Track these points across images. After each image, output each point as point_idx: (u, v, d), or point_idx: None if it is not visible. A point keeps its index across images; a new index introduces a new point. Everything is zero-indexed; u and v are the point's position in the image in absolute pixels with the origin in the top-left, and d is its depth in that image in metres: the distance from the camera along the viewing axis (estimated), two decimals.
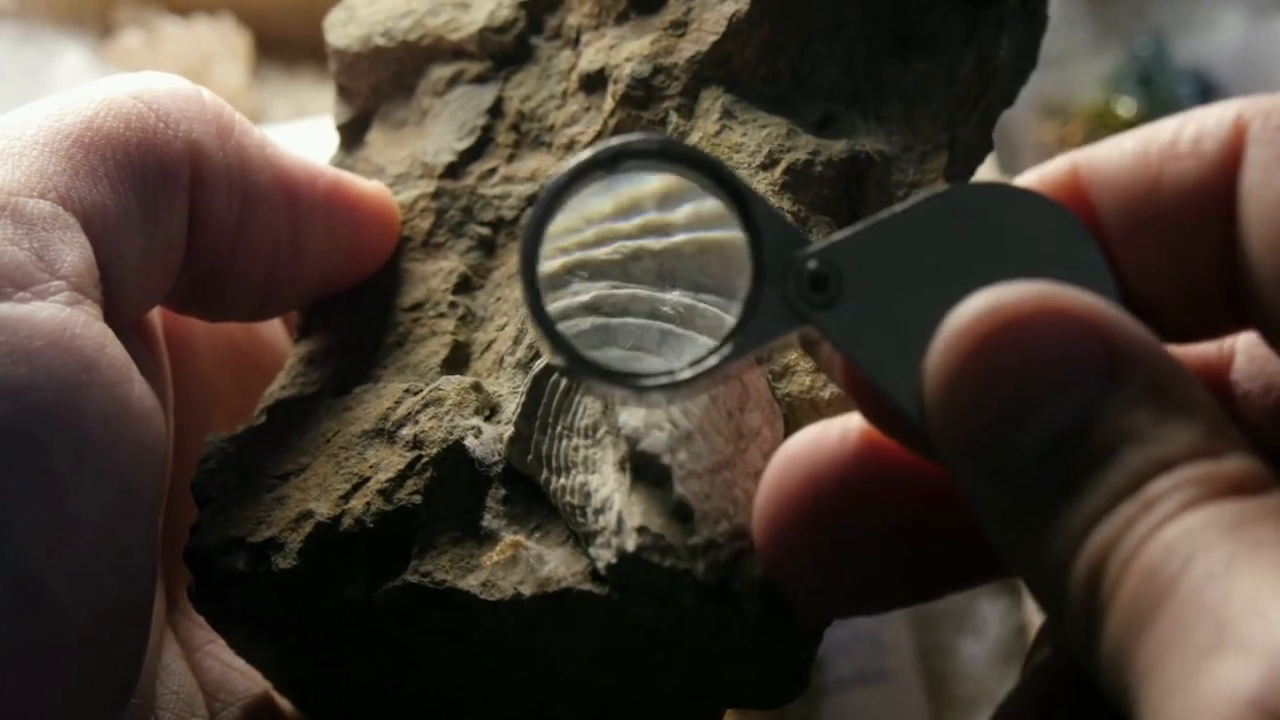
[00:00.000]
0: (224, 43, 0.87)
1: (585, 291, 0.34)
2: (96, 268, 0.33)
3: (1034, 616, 0.73)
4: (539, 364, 0.36)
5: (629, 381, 0.31)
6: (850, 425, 0.32)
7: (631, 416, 0.33)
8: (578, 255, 0.34)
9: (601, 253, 0.34)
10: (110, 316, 0.34)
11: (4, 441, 0.30)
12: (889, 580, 0.32)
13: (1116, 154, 0.31)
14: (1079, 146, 0.32)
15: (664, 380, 0.31)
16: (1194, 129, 0.30)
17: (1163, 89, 0.96)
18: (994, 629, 0.75)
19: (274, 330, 0.45)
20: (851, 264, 0.31)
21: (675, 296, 0.34)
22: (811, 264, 0.31)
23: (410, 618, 0.36)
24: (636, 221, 0.34)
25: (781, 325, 0.31)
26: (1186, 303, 0.30)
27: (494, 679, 0.37)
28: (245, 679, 0.40)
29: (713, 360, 0.31)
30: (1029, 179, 0.32)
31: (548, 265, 0.32)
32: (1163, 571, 0.25)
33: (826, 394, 0.36)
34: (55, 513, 0.31)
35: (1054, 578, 0.27)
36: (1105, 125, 0.99)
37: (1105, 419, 0.26)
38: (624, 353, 0.33)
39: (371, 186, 0.41)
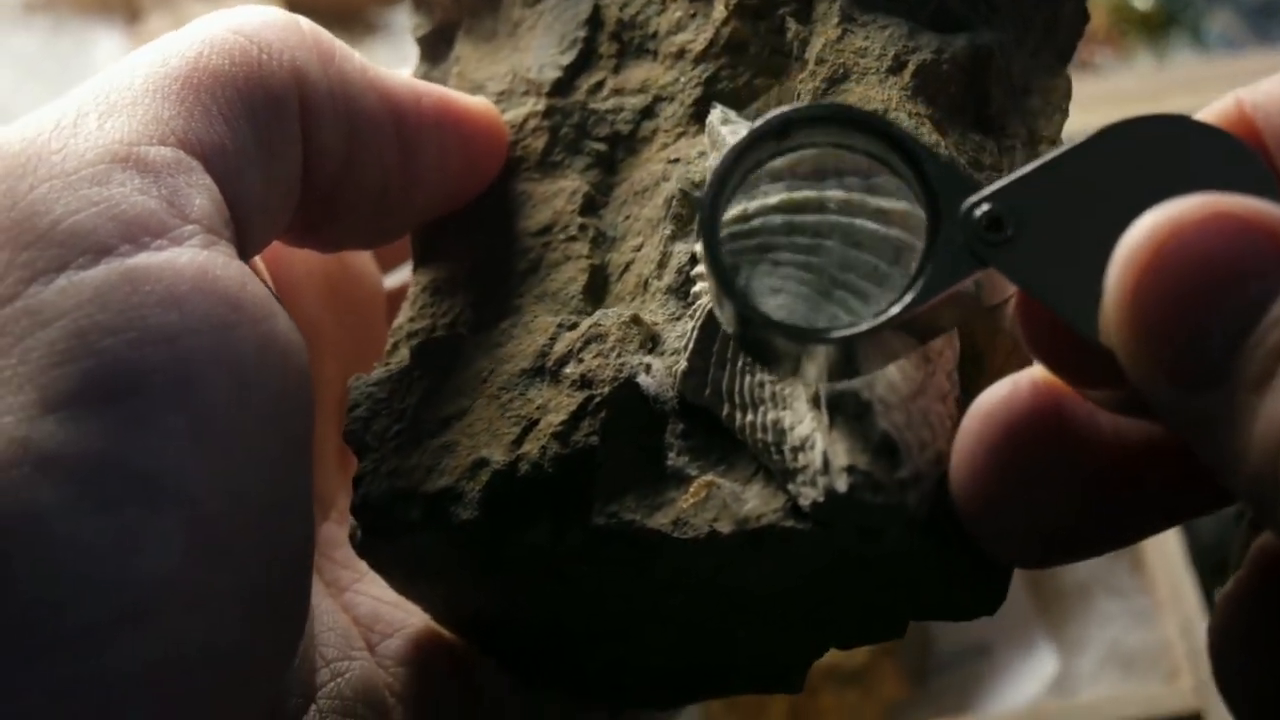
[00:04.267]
0: None
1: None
2: (225, 208, 0.33)
3: None
4: (706, 300, 0.36)
5: (817, 335, 0.31)
6: (1038, 377, 0.32)
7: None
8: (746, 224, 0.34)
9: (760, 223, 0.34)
10: (239, 255, 0.33)
11: (165, 387, 0.30)
12: (1080, 532, 0.32)
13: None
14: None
15: (848, 331, 0.31)
16: None
17: None
18: None
19: (364, 262, 0.45)
20: (1025, 203, 0.31)
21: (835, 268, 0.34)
22: (985, 206, 0.31)
23: (594, 557, 0.35)
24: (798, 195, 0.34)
25: (961, 268, 0.31)
26: None
27: (672, 606, 0.37)
28: (399, 611, 0.40)
29: (896, 308, 0.31)
30: (1199, 116, 0.32)
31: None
32: None
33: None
34: (224, 454, 0.30)
35: (1265, 471, 0.26)
36: (1123, 19, 0.98)
37: None
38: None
39: (477, 102, 0.41)
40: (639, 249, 0.39)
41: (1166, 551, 0.73)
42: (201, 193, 0.32)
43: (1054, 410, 0.32)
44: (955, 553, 0.33)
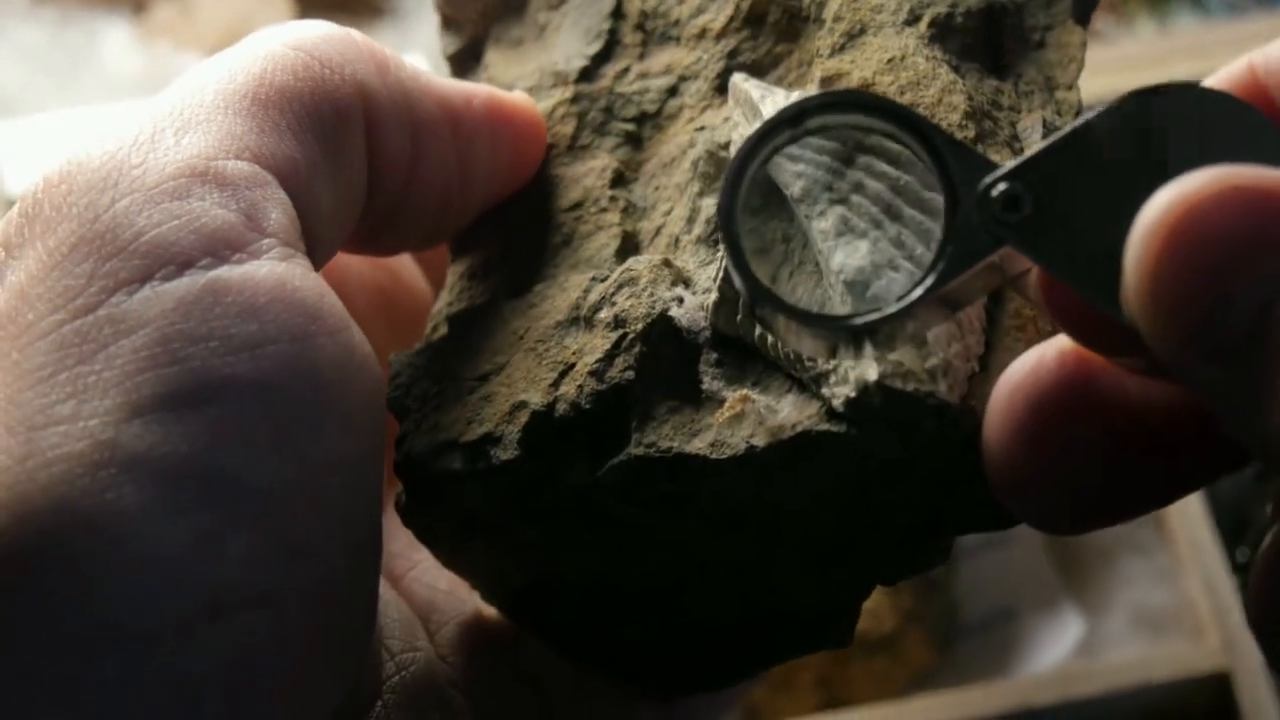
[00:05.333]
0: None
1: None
2: (298, 220, 0.34)
3: None
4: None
5: (841, 322, 0.32)
6: (1065, 346, 0.33)
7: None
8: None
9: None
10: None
11: (248, 396, 0.31)
12: (1111, 497, 0.33)
13: None
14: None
15: (873, 317, 0.32)
16: None
17: None
18: None
19: (414, 275, 0.46)
20: (1041, 180, 0.31)
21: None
22: (1002, 186, 0.31)
23: (635, 492, 0.36)
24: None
25: (980, 249, 0.31)
26: None
27: (716, 549, 0.37)
28: (452, 598, 0.41)
29: (918, 292, 0.32)
30: (1210, 82, 0.32)
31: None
32: None
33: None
34: (301, 460, 0.31)
35: None
36: None
37: None
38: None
39: (518, 96, 0.41)
40: (669, 213, 0.40)
41: (1187, 510, 0.73)
42: (277, 206, 0.33)
43: (1080, 378, 0.32)
44: None
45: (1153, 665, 0.69)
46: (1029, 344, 0.34)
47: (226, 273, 0.31)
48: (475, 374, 0.39)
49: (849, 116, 0.34)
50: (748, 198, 0.34)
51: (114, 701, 0.29)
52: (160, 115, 0.34)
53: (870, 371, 0.33)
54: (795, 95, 0.34)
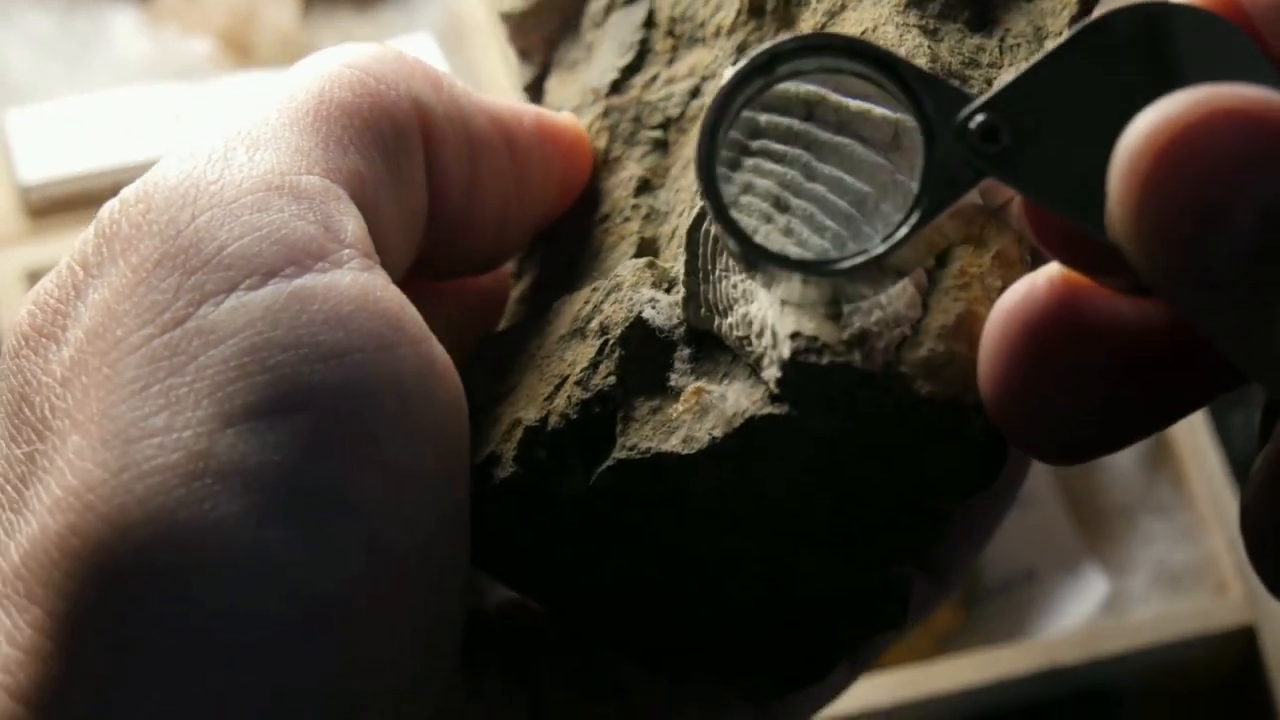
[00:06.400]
0: None
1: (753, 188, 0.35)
2: (369, 235, 0.34)
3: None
4: (687, 220, 0.37)
5: (824, 267, 0.32)
6: (1054, 273, 0.32)
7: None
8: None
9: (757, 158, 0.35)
10: None
11: (336, 404, 0.31)
12: (1112, 421, 0.33)
13: None
14: None
15: (860, 259, 0.32)
16: None
17: None
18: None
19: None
20: (1018, 109, 0.31)
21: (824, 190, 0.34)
22: (979, 118, 0.31)
23: (630, 498, 0.36)
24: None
25: (961, 183, 0.31)
26: None
27: (721, 544, 0.37)
28: (529, 609, 0.41)
29: (904, 230, 0.31)
30: None
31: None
32: None
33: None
34: (390, 468, 0.32)
35: None
36: None
37: None
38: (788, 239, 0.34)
39: (565, 116, 0.42)
40: (683, 214, 0.40)
41: (1206, 467, 0.74)
42: (352, 219, 0.33)
43: (1072, 303, 0.32)
44: (929, 412, 0.33)
45: (1178, 621, 0.69)
46: (971, 304, 0.34)
47: (311, 281, 0.32)
48: (492, 397, 0.39)
49: (821, 59, 0.33)
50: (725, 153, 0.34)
51: (215, 713, 0.29)
52: (229, 135, 0.34)
53: (785, 349, 0.33)
54: (766, 43, 0.34)
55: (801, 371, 0.33)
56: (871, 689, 0.67)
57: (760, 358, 0.34)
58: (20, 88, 0.84)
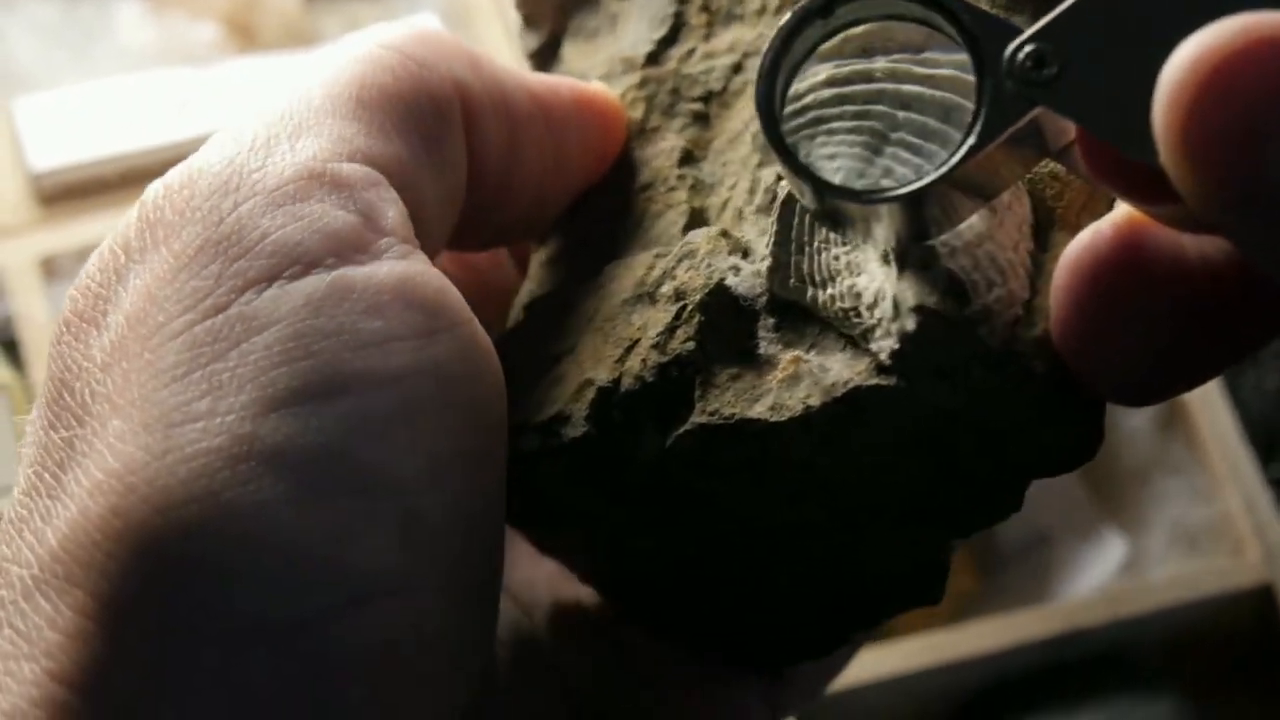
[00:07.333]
0: None
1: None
2: (409, 220, 0.34)
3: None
4: (782, 193, 0.37)
5: (878, 195, 0.32)
6: (1118, 218, 0.33)
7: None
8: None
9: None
10: None
11: (379, 390, 0.31)
12: (1178, 361, 0.33)
13: None
14: None
15: (909, 188, 0.32)
16: None
17: None
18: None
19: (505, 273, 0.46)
20: (1068, 37, 0.31)
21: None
22: (1029, 48, 0.31)
23: (705, 463, 0.36)
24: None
25: (1014, 112, 0.32)
26: None
27: (791, 512, 0.37)
28: (550, 581, 0.41)
29: (956, 157, 0.32)
30: None
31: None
32: None
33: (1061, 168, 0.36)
34: (430, 450, 0.32)
35: None
36: None
37: None
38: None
39: (598, 86, 0.42)
40: (733, 187, 0.40)
41: (1219, 427, 0.74)
42: (392, 206, 0.34)
43: (1136, 245, 0.32)
44: (1041, 391, 0.34)
45: (1197, 582, 0.69)
46: None
47: (351, 272, 0.32)
48: (548, 357, 0.39)
49: (879, 3, 0.33)
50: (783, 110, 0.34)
51: (260, 690, 0.30)
52: (271, 121, 0.35)
53: (909, 323, 0.33)
54: None
55: (923, 344, 0.33)
56: (890, 655, 0.67)
57: (870, 330, 0.34)
58: (26, 76, 0.84)
